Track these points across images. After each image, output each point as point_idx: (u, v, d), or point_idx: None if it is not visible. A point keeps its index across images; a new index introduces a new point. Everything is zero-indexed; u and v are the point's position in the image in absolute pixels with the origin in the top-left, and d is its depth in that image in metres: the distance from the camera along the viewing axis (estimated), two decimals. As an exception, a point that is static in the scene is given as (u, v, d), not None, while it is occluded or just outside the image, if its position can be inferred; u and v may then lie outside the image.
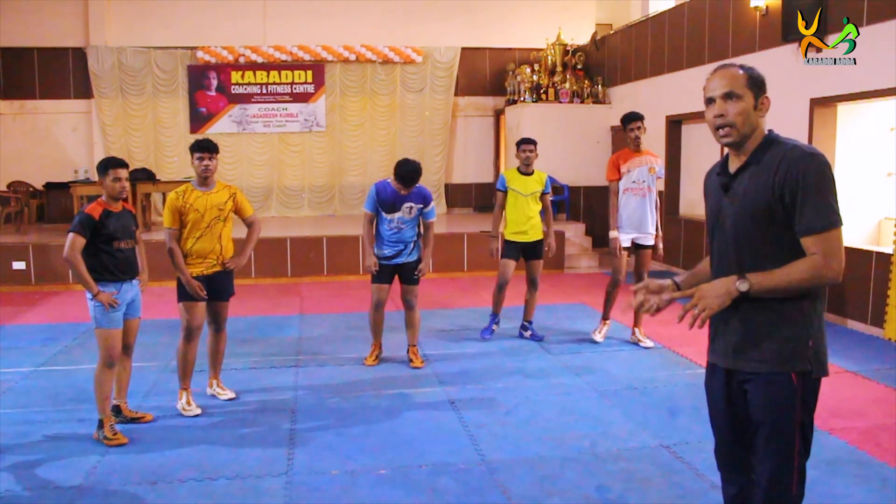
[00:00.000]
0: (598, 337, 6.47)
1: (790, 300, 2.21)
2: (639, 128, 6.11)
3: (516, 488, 3.70)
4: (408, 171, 5.37)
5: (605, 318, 6.52)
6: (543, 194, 6.40)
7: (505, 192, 6.35)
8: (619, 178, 6.17)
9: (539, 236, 6.40)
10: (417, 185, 5.52)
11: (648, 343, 6.30)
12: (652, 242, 6.24)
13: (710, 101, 2.31)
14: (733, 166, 2.34)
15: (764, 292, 2.18)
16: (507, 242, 6.42)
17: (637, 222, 6.15)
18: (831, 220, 2.15)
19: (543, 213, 6.46)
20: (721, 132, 2.28)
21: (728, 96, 2.25)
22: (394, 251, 5.60)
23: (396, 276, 5.73)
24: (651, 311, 2.42)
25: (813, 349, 2.24)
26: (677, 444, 4.19)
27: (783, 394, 2.24)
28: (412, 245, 5.65)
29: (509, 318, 6.83)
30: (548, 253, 6.47)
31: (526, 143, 6.30)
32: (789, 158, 2.18)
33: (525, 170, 6.31)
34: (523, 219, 6.29)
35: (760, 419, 2.29)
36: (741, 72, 2.28)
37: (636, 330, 6.37)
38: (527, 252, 6.41)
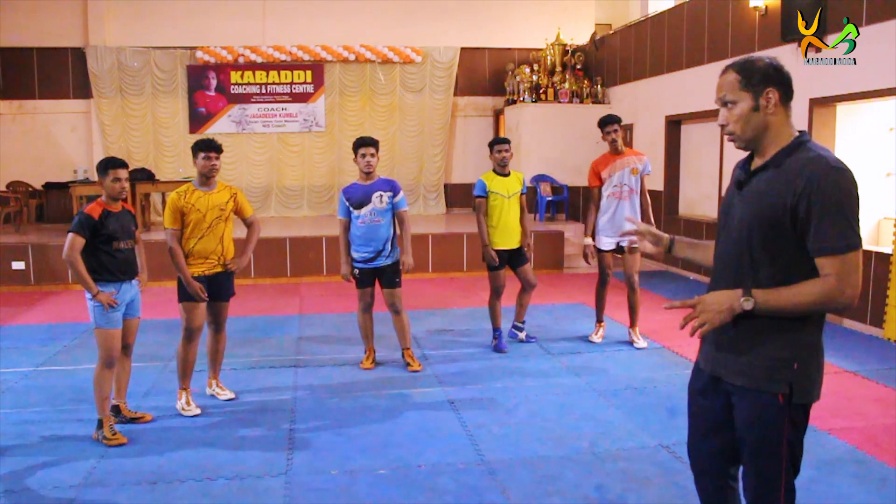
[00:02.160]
0: (596, 339, 6.46)
1: (785, 318, 2.11)
2: (615, 131, 6.08)
3: (516, 488, 3.70)
4: (362, 138, 5.54)
5: (599, 320, 6.52)
6: (521, 195, 6.14)
7: (486, 197, 6.02)
8: (601, 185, 6.16)
9: (520, 241, 6.14)
10: (384, 177, 5.62)
11: (642, 343, 6.26)
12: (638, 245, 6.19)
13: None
14: (755, 164, 2.24)
15: (768, 311, 2.08)
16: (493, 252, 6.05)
17: (618, 226, 6.06)
18: (851, 242, 2.01)
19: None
20: (727, 139, 2.24)
21: (724, 103, 2.19)
22: (371, 252, 5.51)
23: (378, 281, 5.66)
24: (632, 245, 2.60)
25: (799, 372, 2.13)
26: (676, 444, 4.18)
27: (769, 412, 2.16)
28: (389, 246, 5.56)
29: (508, 318, 6.82)
30: (527, 253, 6.23)
31: (501, 144, 6.04)
32: (811, 170, 2.03)
33: (501, 171, 6.05)
34: (507, 223, 6.02)
35: (744, 434, 2.24)
36: (734, 75, 2.17)
37: (631, 331, 6.35)
38: (512, 260, 6.12)
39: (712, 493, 2.47)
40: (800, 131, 2.18)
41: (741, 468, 2.32)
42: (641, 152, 6.50)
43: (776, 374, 2.14)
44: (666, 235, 2.55)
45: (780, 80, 2.14)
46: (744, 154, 2.38)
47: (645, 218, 6.13)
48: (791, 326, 2.13)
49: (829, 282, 2.02)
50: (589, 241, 6.20)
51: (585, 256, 6.25)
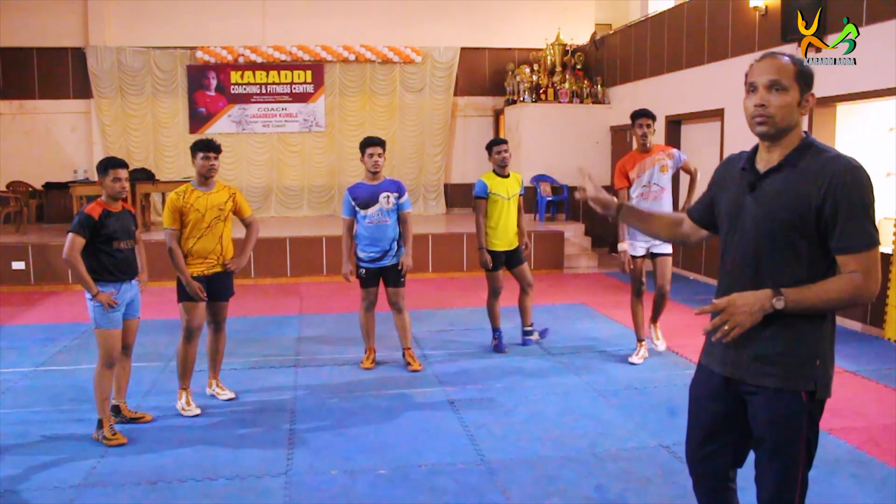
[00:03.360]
0: (637, 360, 5.86)
1: (805, 317, 2.12)
2: (648, 125, 5.60)
3: (515, 488, 3.70)
4: (369, 138, 5.50)
5: (639, 339, 5.95)
6: (519, 196, 6.09)
7: (486, 198, 5.96)
8: (629, 186, 5.73)
9: (517, 242, 6.11)
10: (389, 178, 5.62)
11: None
12: (669, 249, 5.80)
13: (752, 88, 2.14)
14: (762, 163, 2.20)
15: (798, 310, 2.08)
16: (490, 254, 6.00)
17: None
18: (874, 239, 2.07)
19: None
20: (757, 120, 2.13)
21: (773, 86, 2.10)
22: (378, 252, 5.52)
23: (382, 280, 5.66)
24: (582, 198, 2.53)
25: (821, 369, 2.16)
26: (676, 444, 4.17)
27: (791, 411, 2.16)
28: (395, 245, 5.58)
29: (507, 318, 6.82)
30: (525, 253, 6.19)
31: (500, 144, 5.97)
32: (834, 170, 2.05)
33: (501, 172, 6.01)
34: (506, 224, 5.98)
35: (763, 434, 2.22)
36: (791, 63, 2.11)
37: (653, 327, 6.03)
38: (510, 260, 6.09)
39: (712, 496, 2.46)
40: (804, 132, 2.20)
41: (755, 468, 2.31)
42: (670, 146, 6.09)
43: (803, 373, 2.15)
44: (615, 202, 2.54)
45: (811, 88, 2.17)
46: (732, 152, 2.38)
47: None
48: (813, 324, 2.15)
49: (856, 278, 2.07)
50: (623, 246, 5.70)
51: (623, 263, 5.76)
